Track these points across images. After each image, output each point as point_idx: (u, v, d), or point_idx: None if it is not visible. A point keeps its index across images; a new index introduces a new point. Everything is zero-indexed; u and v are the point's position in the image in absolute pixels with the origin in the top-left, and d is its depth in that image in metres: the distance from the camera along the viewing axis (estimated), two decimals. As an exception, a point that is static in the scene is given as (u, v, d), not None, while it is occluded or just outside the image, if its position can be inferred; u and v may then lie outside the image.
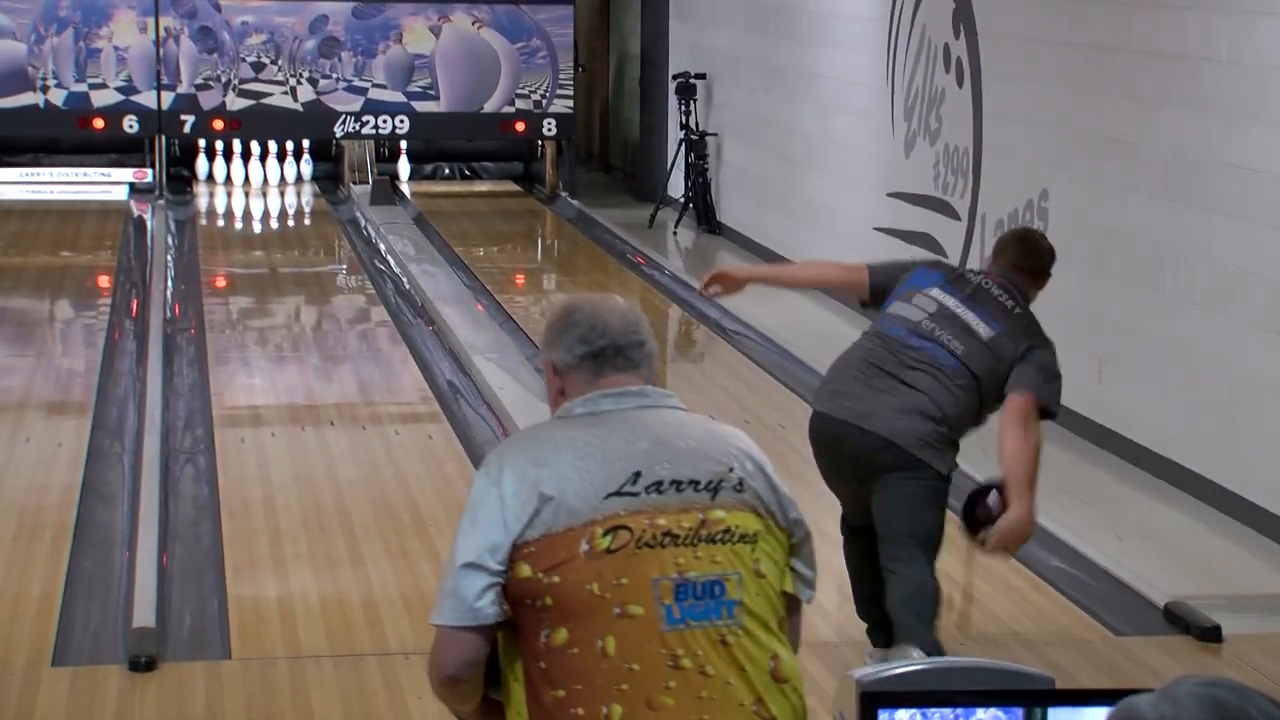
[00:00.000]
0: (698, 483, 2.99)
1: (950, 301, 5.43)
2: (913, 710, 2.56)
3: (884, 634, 5.58)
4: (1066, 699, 2.65)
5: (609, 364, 3.07)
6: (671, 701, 2.92)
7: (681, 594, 2.94)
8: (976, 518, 5.42)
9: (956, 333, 5.37)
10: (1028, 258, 5.64)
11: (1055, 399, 5.44)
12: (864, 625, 5.86)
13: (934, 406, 5.35)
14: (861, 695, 2.66)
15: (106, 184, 15.04)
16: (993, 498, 5.38)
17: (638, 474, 2.96)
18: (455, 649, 2.96)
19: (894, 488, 5.39)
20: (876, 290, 5.60)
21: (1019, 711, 2.56)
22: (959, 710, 2.55)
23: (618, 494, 2.94)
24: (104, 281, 11.88)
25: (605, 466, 2.96)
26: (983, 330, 5.39)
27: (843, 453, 5.49)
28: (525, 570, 2.91)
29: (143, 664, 5.47)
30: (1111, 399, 8.12)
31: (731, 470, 3.02)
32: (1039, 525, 6.91)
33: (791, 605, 3.11)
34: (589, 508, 2.93)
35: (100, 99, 14.82)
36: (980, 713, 2.55)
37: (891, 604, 5.37)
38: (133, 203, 14.02)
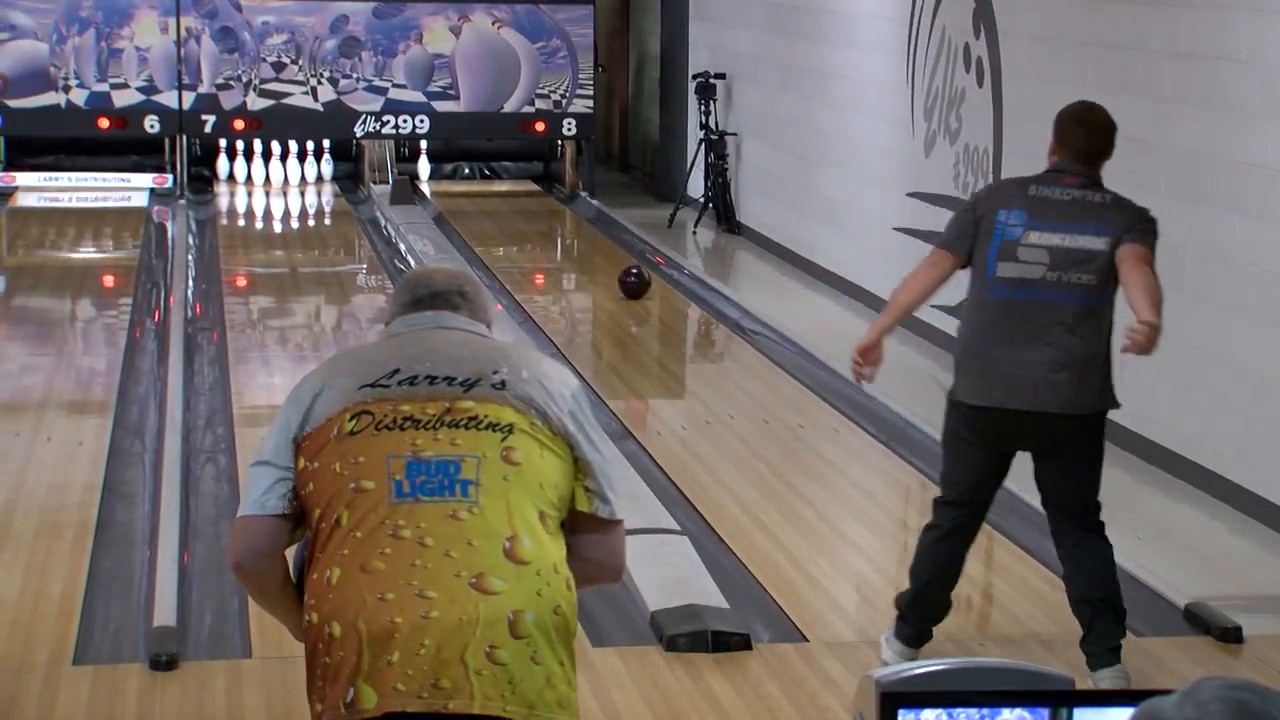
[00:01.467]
0: (453, 379, 3.23)
1: (1055, 238, 5.28)
2: (938, 710, 2.55)
3: (922, 639, 5.55)
4: (1091, 699, 2.65)
5: (426, 305, 3.39)
6: (383, 566, 3.11)
7: (413, 470, 3.16)
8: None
9: (1080, 265, 5.26)
10: (1094, 141, 5.49)
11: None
12: (884, 626, 5.84)
13: (1094, 352, 5.32)
14: (881, 695, 2.65)
15: (126, 189, 15.05)
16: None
17: (395, 370, 3.24)
18: (242, 538, 3.25)
19: (1080, 456, 5.38)
20: (966, 255, 5.47)
21: (1044, 712, 2.56)
22: (984, 710, 2.55)
23: (371, 385, 3.23)
24: (125, 281, 11.89)
25: (369, 367, 3.26)
26: (1099, 244, 5.26)
27: (1020, 439, 5.39)
28: (301, 462, 3.22)
29: (163, 663, 5.48)
30: (1130, 399, 8.07)
31: (495, 373, 3.25)
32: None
33: (588, 522, 3.28)
34: (345, 398, 3.22)
35: (121, 99, 14.85)
36: (1006, 713, 2.55)
37: (1096, 583, 5.39)
38: (154, 210, 14.02)
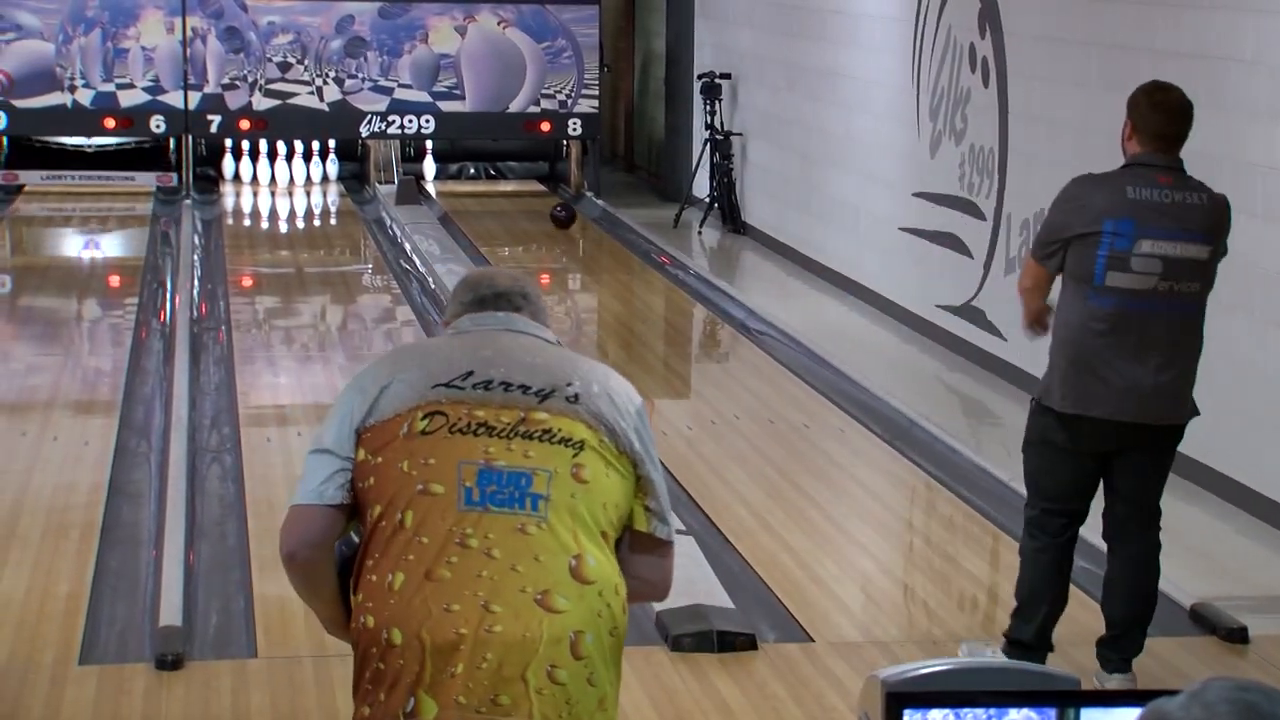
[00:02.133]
0: (528, 388, 3.18)
1: (1166, 246, 5.15)
2: (944, 710, 2.55)
3: (1045, 650, 5.48)
4: (1098, 700, 2.64)
5: (490, 305, 3.35)
6: (449, 575, 3.07)
7: (484, 479, 3.11)
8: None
9: (1188, 274, 5.18)
10: (1173, 123, 5.35)
11: None
12: (889, 626, 5.84)
13: (1193, 362, 5.29)
14: (887, 696, 2.65)
15: (131, 191, 15.05)
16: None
17: (470, 373, 3.19)
18: (297, 526, 3.19)
19: (1162, 459, 5.37)
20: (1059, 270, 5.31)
21: (1051, 712, 2.56)
22: (991, 710, 2.55)
23: (445, 385, 3.17)
24: (131, 281, 11.90)
25: (443, 364, 3.20)
26: (1204, 253, 5.19)
27: (1112, 442, 5.29)
28: (361, 454, 3.17)
29: (169, 662, 5.48)
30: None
31: (570, 385, 3.20)
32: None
33: (645, 542, 3.24)
34: (416, 395, 3.16)
35: (127, 99, 14.85)
36: (1013, 713, 2.55)
37: (1141, 597, 5.37)
38: (161, 220, 14.00)
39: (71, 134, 15.06)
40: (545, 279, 12.57)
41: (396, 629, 3.07)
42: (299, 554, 3.20)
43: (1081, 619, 6.08)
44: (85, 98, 14.80)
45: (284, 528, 3.22)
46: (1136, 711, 2.03)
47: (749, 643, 5.72)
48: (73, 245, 13.68)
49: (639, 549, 3.24)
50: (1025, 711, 2.55)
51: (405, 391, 3.16)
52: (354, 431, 3.17)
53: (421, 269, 12.13)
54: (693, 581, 6.13)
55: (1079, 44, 8.74)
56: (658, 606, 5.87)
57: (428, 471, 3.11)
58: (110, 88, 14.83)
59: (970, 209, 9.92)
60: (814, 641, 5.83)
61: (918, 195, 10.64)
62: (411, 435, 3.13)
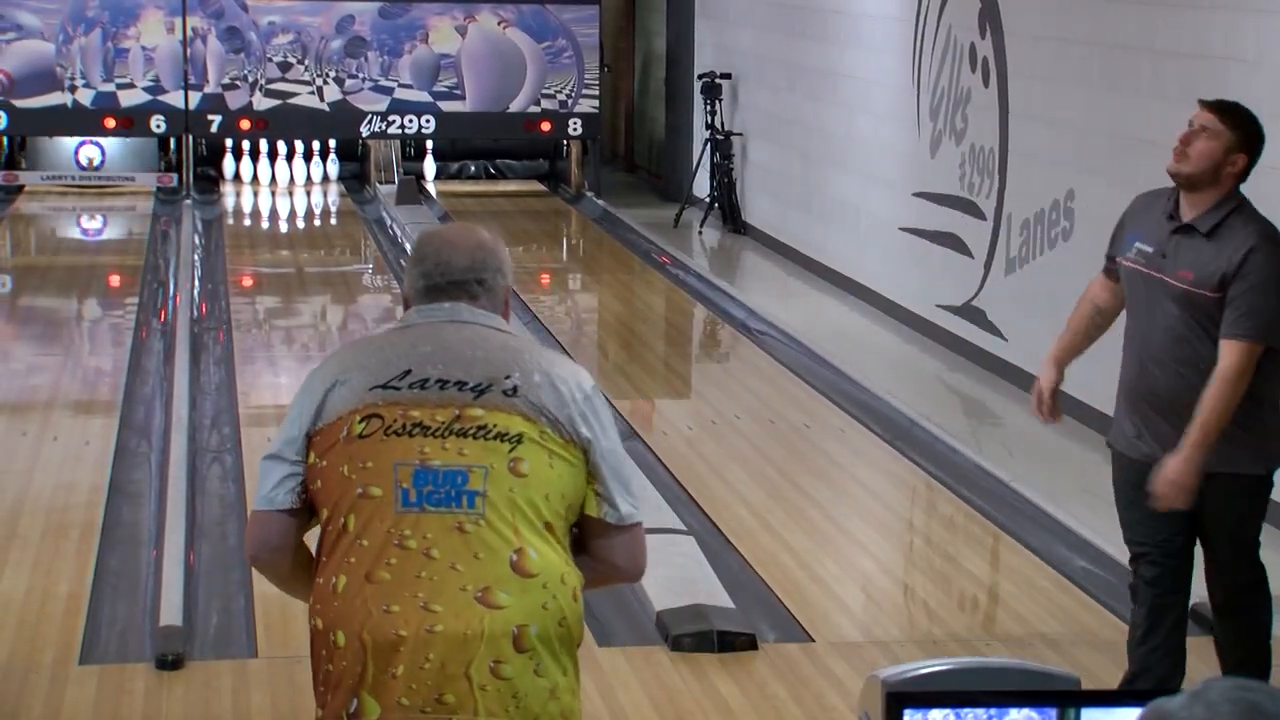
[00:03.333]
0: (464, 384, 3.17)
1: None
2: (945, 710, 2.55)
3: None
4: (1098, 700, 2.64)
5: (444, 294, 3.30)
6: (389, 577, 3.10)
7: (420, 479, 3.12)
8: None
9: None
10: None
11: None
12: (889, 626, 5.84)
13: None
14: (887, 695, 2.65)
15: (131, 191, 15.06)
16: None
17: (407, 371, 3.19)
18: (255, 531, 3.25)
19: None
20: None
21: (1052, 712, 2.56)
22: (991, 710, 2.55)
23: (382, 387, 3.17)
24: (131, 281, 11.90)
25: (382, 365, 3.20)
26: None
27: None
28: (311, 457, 3.20)
29: (170, 662, 5.48)
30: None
31: (508, 378, 3.18)
32: (1064, 524, 6.92)
33: (598, 527, 3.24)
34: (356, 398, 3.18)
35: (128, 99, 14.85)
36: (1014, 713, 2.55)
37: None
38: (161, 219, 13.99)
39: (72, 134, 15.05)
40: (545, 279, 12.57)
41: (340, 631, 3.11)
42: (259, 557, 3.28)
43: (1084, 619, 6.09)
44: (86, 98, 14.80)
45: (246, 532, 3.30)
46: (1137, 711, 2.03)
47: (749, 643, 5.72)
48: (73, 245, 13.67)
49: (596, 533, 3.24)
50: (1026, 711, 2.55)
51: (346, 395, 3.17)
52: (305, 434, 3.20)
53: (422, 269, 12.11)
54: (693, 581, 6.13)
55: (1080, 44, 8.74)
56: (658, 606, 5.88)
57: (366, 475, 3.13)
58: (111, 88, 14.83)
59: (971, 209, 9.92)
60: (814, 641, 5.83)
61: (918, 195, 10.64)
62: (350, 439, 3.15)
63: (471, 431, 3.14)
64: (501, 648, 3.08)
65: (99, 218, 14.50)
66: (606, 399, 3.36)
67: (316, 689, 3.18)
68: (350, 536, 3.13)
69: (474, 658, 3.07)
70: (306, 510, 3.23)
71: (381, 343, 3.28)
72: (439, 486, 3.12)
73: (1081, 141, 8.64)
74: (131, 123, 14.85)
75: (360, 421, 3.15)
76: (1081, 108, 8.65)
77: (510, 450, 3.14)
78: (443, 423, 3.14)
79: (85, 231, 14.16)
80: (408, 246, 12.72)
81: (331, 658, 3.12)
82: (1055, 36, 9.01)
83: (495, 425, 3.15)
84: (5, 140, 15.03)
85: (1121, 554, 6.56)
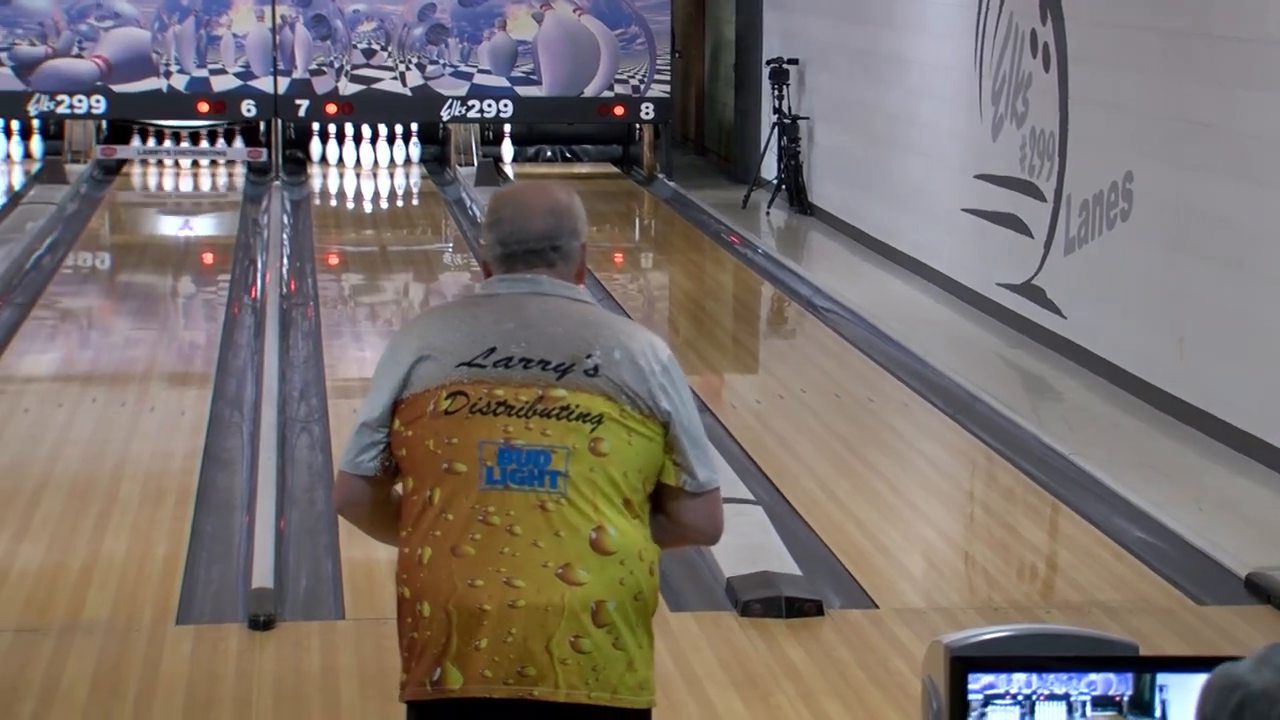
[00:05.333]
0: (547, 363, 3.13)
1: None
2: (1027, 674, 2.53)
3: None
4: (1174, 665, 2.61)
5: (521, 260, 3.25)
6: (473, 552, 3.09)
7: (504, 458, 3.10)
8: None
9: None
10: None
11: None
12: (951, 593, 5.82)
13: None
14: (951, 660, 2.64)
15: (220, 157, 15.14)
16: None
17: (492, 349, 3.15)
18: (341, 490, 3.27)
19: None
20: None
21: (1129, 677, 2.54)
22: (1072, 674, 2.53)
23: (468, 364, 3.14)
24: (224, 258, 11.98)
25: (468, 340, 3.16)
26: None
27: None
28: (397, 424, 3.18)
29: (262, 623, 5.52)
30: (1193, 375, 8.04)
31: (589, 357, 3.14)
32: (1121, 496, 6.88)
33: (677, 494, 3.21)
34: (442, 374, 3.14)
35: (220, 84, 14.94)
36: (1093, 676, 2.53)
37: None
38: (252, 200, 14.06)
39: (167, 118, 15.16)
40: (619, 258, 12.57)
41: (426, 601, 3.10)
42: (345, 512, 3.33)
43: (1140, 588, 6.06)
44: (180, 83, 14.90)
45: (334, 488, 3.34)
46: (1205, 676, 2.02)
47: (816, 608, 5.72)
48: (168, 225, 13.77)
49: (674, 498, 3.21)
50: (1105, 675, 2.53)
51: (433, 370, 3.15)
52: (391, 403, 3.18)
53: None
54: (762, 549, 6.13)
55: (1138, 29, 8.66)
56: (728, 573, 5.88)
57: (451, 450, 3.11)
58: (204, 73, 14.92)
59: (1031, 190, 9.85)
60: (878, 608, 5.82)
61: (980, 177, 10.58)
62: (436, 414, 3.13)
63: (554, 412, 3.11)
64: (581, 622, 3.07)
65: (193, 199, 14.59)
66: None
67: (401, 654, 3.19)
68: (435, 510, 3.12)
69: (555, 632, 3.06)
70: (391, 474, 3.23)
71: (466, 316, 3.23)
72: (522, 465, 3.09)
73: (1140, 125, 8.57)
74: (223, 107, 14.94)
75: (447, 398, 3.13)
76: (1140, 92, 8.58)
77: (591, 430, 3.11)
78: (526, 402, 3.11)
79: (180, 212, 14.25)
80: (487, 226, 12.75)
81: (417, 626, 3.12)
82: (1114, 22, 8.94)
83: (577, 406, 3.12)
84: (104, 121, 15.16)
85: (1176, 524, 6.53)
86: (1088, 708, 2.55)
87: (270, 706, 5.03)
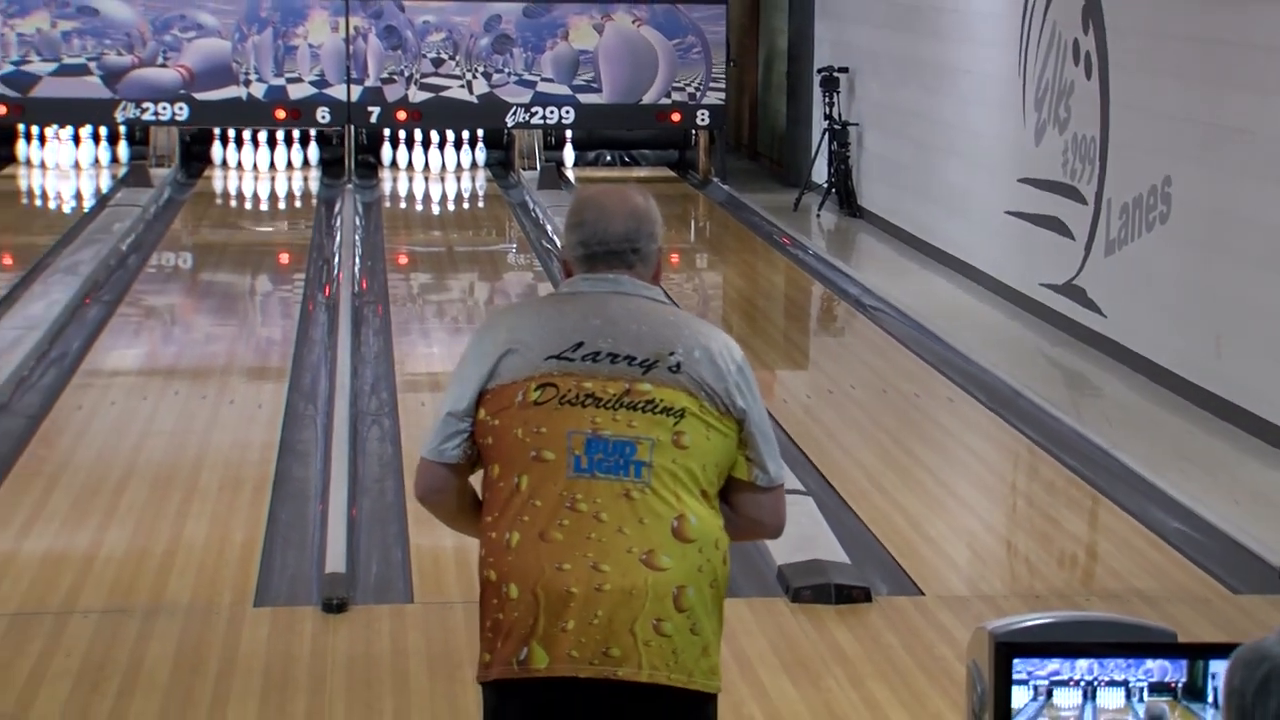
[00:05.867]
0: (633, 359, 3.14)
1: None
2: (1089, 661, 2.54)
3: None
4: (1217, 652, 2.60)
5: (602, 262, 3.25)
6: (561, 537, 3.08)
7: (592, 448, 3.10)
8: None
9: None
10: None
11: None
12: (994, 581, 5.79)
13: None
14: (996, 645, 2.64)
15: (299, 174, 15.22)
16: None
17: (580, 344, 3.15)
18: (424, 478, 3.25)
19: None
20: None
21: (1183, 664, 2.54)
22: (1130, 660, 2.54)
23: (557, 357, 3.14)
24: (299, 258, 12.04)
25: (556, 334, 3.16)
26: None
27: None
28: (482, 413, 3.16)
29: (335, 606, 5.54)
30: (1230, 372, 7.98)
31: (672, 354, 3.15)
32: (1159, 488, 6.83)
33: (748, 488, 3.22)
34: (531, 366, 3.14)
35: (296, 92, 15.01)
36: (1150, 663, 2.54)
37: None
38: (326, 203, 14.10)
39: (245, 124, 15.24)
40: (675, 258, 12.56)
41: (513, 584, 3.09)
42: (427, 499, 3.29)
43: (1177, 577, 6.02)
44: (258, 91, 14.98)
45: (415, 475, 3.30)
46: None
47: (864, 595, 5.71)
48: (247, 226, 13.85)
49: (743, 491, 3.22)
50: (1161, 662, 2.54)
51: (521, 362, 3.14)
52: (476, 393, 3.17)
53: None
54: (812, 538, 6.12)
55: (1177, 38, 8.60)
56: (779, 560, 5.88)
57: (540, 439, 3.11)
58: (281, 81, 15.00)
59: (1072, 194, 9.80)
60: (924, 595, 5.80)
61: (1023, 181, 10.53)
62: (525, 404, 3.12)
63: (640, 405, 3.11)
64: (664, 606, 3.07)
65: (270, 201, 14.67)
66: None
67: (484, 635, 3.17)
68: (523, 496, 3.11)
69: (638, 615, 3.06)
70: (471, 463, 3.22)
71: (553, 312, 3.22)
72: (609, 455, 3.09)
73: (1178, 131, 8.51)
74: (299, 114, 15.02)
75: (536, 389, 3.12)
76: (1179, 99, 8.52)
77: (674, 424, 3.12)
78: (613, 395, 3.11)
79: (257, 213, 14.33)
80: (549, 228, 12.78)
81: (503, 608, 3.11)
82: (1154, 31, 8.88)
83: (662, 400, 3.12)
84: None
85: (1213, 516, 6.48)
86: (1145, 693, 2.56)
87: (343, 685, 5.05)
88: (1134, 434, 7.77)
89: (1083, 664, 2.55)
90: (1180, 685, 2.56)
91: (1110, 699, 2.57)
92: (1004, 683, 2.60)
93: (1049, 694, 2.57)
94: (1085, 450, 7.42)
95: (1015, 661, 2.58)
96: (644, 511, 3.09)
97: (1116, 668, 2.56)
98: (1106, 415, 8.22)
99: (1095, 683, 2.57)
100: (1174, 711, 2.57)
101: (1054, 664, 2.56)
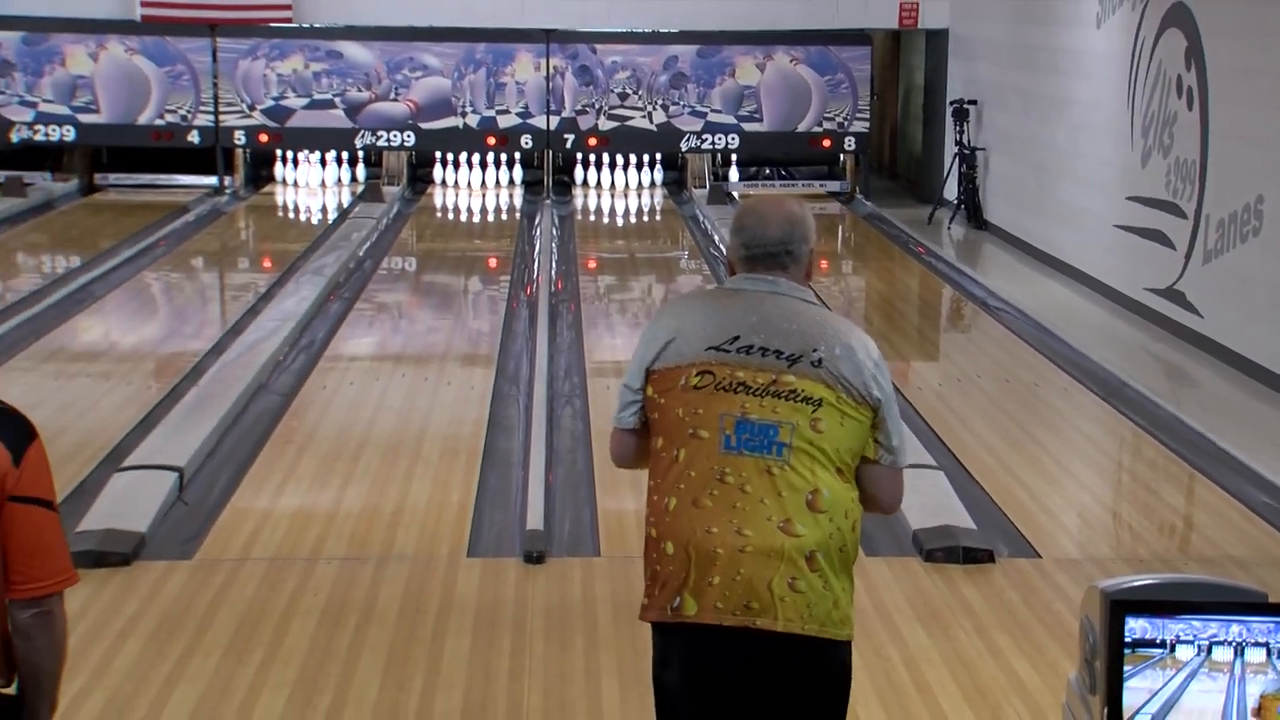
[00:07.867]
0: (781, 353, 3.12)
1: None
2: (1208, 616, 2.54)
3: None
4: None
5: (760, 263, 3.24)
6: (710, 504, 3.08)
7: (740, 429, 3.09)
8: None
9: None
10: None
11: None
12: (1103, 546, 5.68)
13: None
14: (1110, 603, 2.59)
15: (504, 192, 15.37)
16: None
17: (736, 337, 3.14)
18: (612, 442, 3.30)
19: None
20: None
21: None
22: (1241, 617, 2.53)
23: (715, 348, 3.14)
24: (505, 263, 12.16)
25: (717, 327, 3.15)
26: None
27: None
28: (650, 391, 3.19)
29: (534, 558, 5.60)
30: (1315, 367, 7.74)
31: (815, 350, 3.13)
32: (1250, 467, 6.65)
33: (875, 468, 3.19)
34: (693, 353, 3.14)
35: (504, 122, 15.16)
36: (1255, 622, 2.54)
37: None
38: (527, 216, 14.20)
39: (462, 149, 15.43)
40: (824, 264, 12.48)
41: (670, 541, 3.10)
42: (618, 462, 3.33)
43: (1267, 546, 5.86)
44: (473, 121, 15.15)
45: (610, 441, 3.33)
46: None
47: (988, 557, 5.64)
48: (461, 235, 14.02)
49: (871, 470, 3.20)
50: (1267, 623, 2.52)
51: (685, 349, 3.14)
52: (645, 369, 3.19)
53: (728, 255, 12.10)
54: (943, 506, 6.06)
55: (1271, 75, 8.35)
56: (914, 525, 5.82)
57: (697, 419, 3.12)
58: (491, 113, 15.15)
59: (1174, 210, 9.57)
60: (1041, 557, 5.71)
61: (1130, 199, 10.30)
62: (687, 388, 3.13)
63: (784, 394, 3.11)
64: (798, 567, 3.06)
65: (481, 215, 14.83)
66: None
67: (646, 581, 3.20)
68: (681, 466, 3.13)
69: (775, 574, 3.06)
70: (646, 429, 3.24)
71: (715, 306, 3.21)
72: (754, 435, 3.09)
73: (1271, 154, 8.27)
74: (506, 140, 15.17)
75: (696, 375, 3.13)
76: (1272, 126, 8.28)
77: (813, 411, 3.11)
78: (762, 384, 3.11)
79: (470, 225, 14.50)
80: (715, 237, 12.77)
81: (660, 561, 3.14)
82: (1250, 68, 8.63)
83: (803, 390, 3.11)
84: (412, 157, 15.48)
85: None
86: (1246, 651, 2.57)
87: (542, 626, 5.10)
88: (1227, 420, 7.57)
89: (1235, 628, 2.55)
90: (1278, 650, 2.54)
91: (1255, 656, 2.58)
92: (1116, 636, 2.56)
93: (1209, 650, 2.56)
94: (1183, 433, 7.25)
95: (1175, 623, 2.56)
96: (783, 485, 3.08)
97: (1261, 632, 2.56)
98: (1203, 404, 8.02)
99: (1244, 643, 2.57)
100: None
101: (1213, 627, 2.55)
